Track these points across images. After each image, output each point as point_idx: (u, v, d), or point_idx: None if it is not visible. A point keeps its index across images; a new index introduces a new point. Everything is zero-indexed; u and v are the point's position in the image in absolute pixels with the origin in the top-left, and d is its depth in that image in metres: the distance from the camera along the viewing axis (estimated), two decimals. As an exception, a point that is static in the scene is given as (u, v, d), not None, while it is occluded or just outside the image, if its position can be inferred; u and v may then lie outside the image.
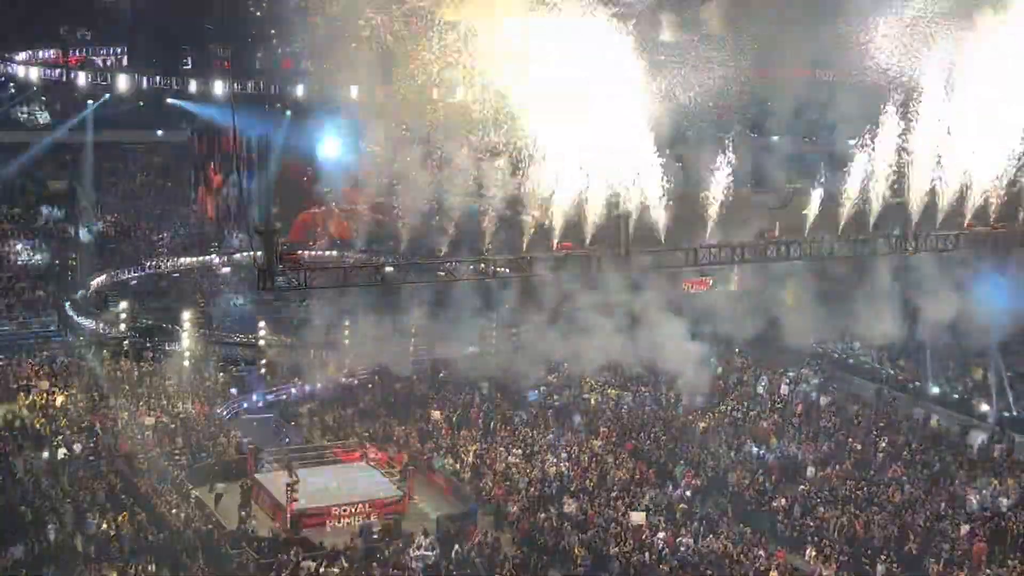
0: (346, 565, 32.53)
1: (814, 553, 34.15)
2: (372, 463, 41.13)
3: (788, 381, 48.96)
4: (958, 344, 45.53)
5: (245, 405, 46.98)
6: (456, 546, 33.98)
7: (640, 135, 31.78)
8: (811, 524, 35.78)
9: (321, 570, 32.29)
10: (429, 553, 33.77)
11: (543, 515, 36.07)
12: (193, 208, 67.45)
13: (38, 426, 41.67)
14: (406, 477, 39.55)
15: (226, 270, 60.94)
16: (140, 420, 42.46)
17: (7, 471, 37.22)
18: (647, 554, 33.49)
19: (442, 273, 30.03)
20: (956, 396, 46.17)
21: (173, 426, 42.37)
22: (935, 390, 46.40)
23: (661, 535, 34.69)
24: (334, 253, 60.35)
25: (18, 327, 52.60)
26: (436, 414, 45.02)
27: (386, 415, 45.22)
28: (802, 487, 38.99)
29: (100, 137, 64.58)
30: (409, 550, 34.02)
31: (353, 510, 37.28)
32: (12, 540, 31.91)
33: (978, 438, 43.17)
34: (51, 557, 31.46)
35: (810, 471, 40.30)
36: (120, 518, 34.16)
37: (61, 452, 39.47)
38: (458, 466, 40.86)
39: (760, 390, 47.94)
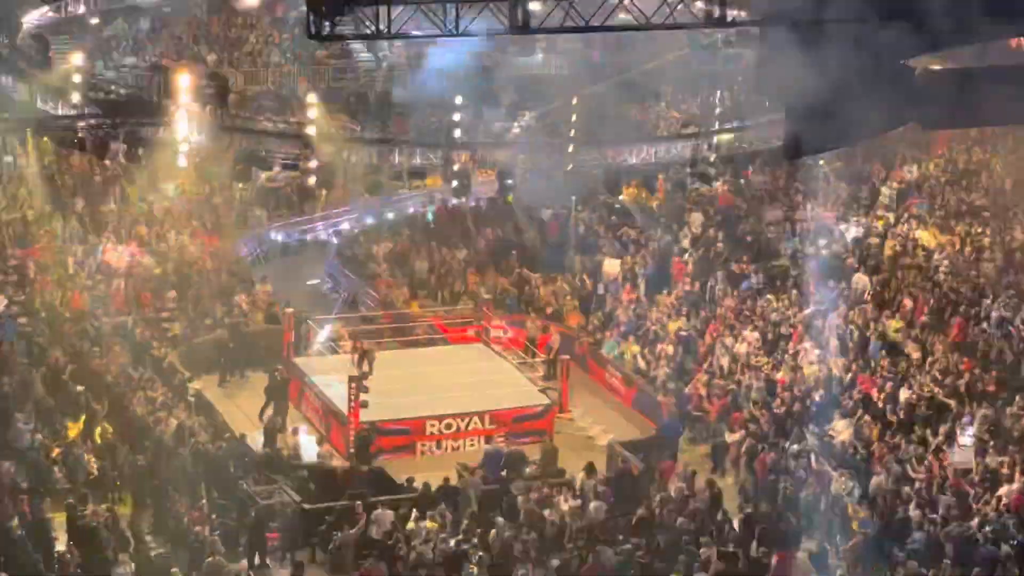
0: (450, 517, 23.51)
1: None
2: (497, 346, 31.86)
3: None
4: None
5: (281, 239, 35.54)
6: (639, 495, 24.90)
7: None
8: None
9: (410, 525, 23.10)
10: (596, 503, 24.39)
11: (795, 447, 26.13)
12: None
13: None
14: (556, 373, 30.12)
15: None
16: (104, 259, 31.96)
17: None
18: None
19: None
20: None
21: (159, 270, 32.12)
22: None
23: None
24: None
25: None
26: (611, 264, 34.08)
27: (521, 264, 34.44)
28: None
29: None
30: (559, 498, 24.64)
31: (464, 426, 28.15)
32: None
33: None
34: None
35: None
36: (71, 428, 24.89)
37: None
38: (648, 357, 30.62)
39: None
